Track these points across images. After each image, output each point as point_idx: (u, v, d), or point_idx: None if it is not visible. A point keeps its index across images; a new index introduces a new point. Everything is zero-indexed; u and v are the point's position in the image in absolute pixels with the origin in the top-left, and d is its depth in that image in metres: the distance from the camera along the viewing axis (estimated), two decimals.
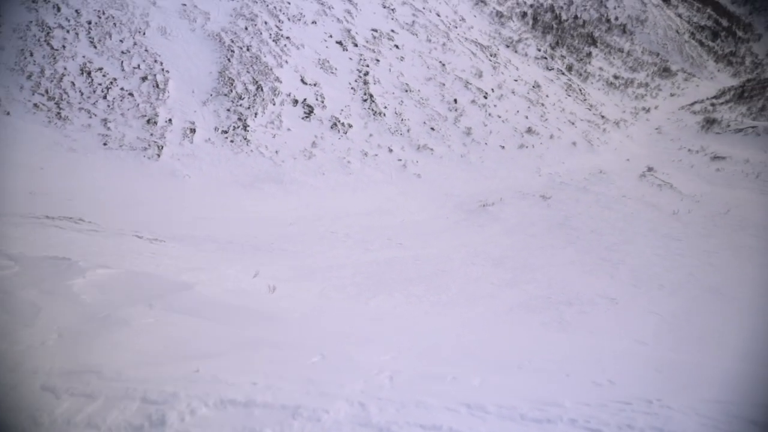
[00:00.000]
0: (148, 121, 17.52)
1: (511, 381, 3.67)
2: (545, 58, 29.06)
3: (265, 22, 21.99)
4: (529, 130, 21.86)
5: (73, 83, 17.83)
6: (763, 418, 2.81)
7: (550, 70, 28.13)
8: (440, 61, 23.98)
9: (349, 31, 23.45)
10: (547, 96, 24.89)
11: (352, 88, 21.22)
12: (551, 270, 11.20)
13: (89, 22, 19.54)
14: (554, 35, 32.72)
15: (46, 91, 17.37)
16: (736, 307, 9.37)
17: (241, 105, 18.95)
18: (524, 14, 33.33)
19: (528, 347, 5.69)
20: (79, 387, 3.11)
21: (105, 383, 3.19)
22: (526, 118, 22.74)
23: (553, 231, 14.01)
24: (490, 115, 22.17)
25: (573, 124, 23.36)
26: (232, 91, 19.21)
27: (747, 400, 3.14)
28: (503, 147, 20.79)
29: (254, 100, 19.21)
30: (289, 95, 19.84)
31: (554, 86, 26.56)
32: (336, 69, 21.66)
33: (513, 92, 24.12)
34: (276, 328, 4.88)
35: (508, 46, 29.12)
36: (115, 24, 19.81)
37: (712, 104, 27.55)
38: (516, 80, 25.01)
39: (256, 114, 18.91)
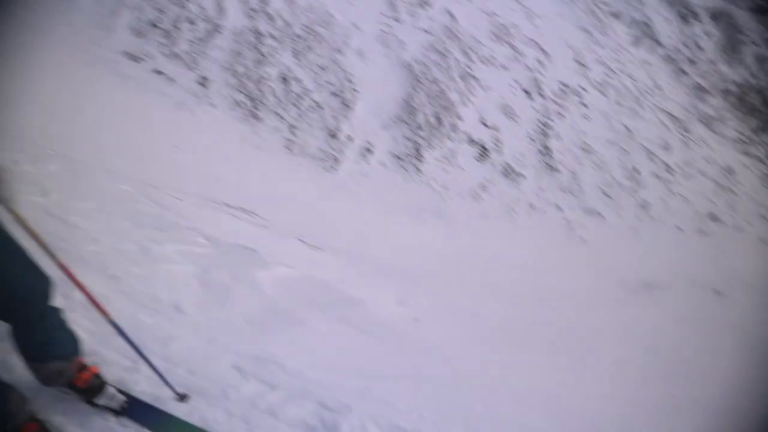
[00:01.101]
0: (331, 135, 18.41)
1: None
2: (745, 142, 26.66)
3: (457, 60, 22.28)
4: (713, 217, 20.17)
5: (272, 88, 19.16)
6: None
7: (748, 155, 25.76)
8: (626, 126, 22.90)
9: (537, 80, 23.07)
10: (740, 183, 22.87)
11: (530, 138, 20.90)
12: None
13: (297, 35, 20.93)
14: (759, 119, 29.95)
15: (248, 91, 18.81)
16: None
17: (419, 135, 19.35)
18: (728, 91, 30.82)
19: None
20: (264, 375, 3.27)
21: (287, 377, 3.33)
22: (713, 203, 21.02)
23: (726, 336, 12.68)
24: (672, 192, 20.79)
25: (766, 219, 21.23)
26: (413, 120, 19.68)
27: None
28: (681, 229, 19.35)
29: (433, 132, 19.55)
30: (467, 134, 19.96)
31: (750, 174, 24.29)
32: (518, 117, 21.42)
33: (701, 173, 22.45)
34: (441, 367, 4.81)
35: (703, 123, 27.11)
36: (318, 40, 21.06)
37: None
38: (707, 160, 23.25)
39: (432, 146, 19.20)
